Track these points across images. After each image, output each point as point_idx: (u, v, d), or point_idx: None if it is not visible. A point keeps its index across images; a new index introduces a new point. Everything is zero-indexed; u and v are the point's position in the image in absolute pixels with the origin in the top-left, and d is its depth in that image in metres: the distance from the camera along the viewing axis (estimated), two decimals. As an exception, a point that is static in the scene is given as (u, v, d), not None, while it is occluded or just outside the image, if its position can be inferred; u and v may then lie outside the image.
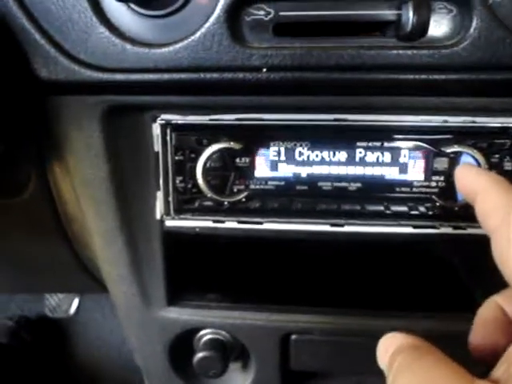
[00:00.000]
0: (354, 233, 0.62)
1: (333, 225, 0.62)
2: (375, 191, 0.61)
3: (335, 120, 0.59)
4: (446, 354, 0.37)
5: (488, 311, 0.46)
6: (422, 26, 0.49)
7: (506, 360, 0.36)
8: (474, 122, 0.58)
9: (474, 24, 0.50)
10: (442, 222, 0.61)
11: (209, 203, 0.62)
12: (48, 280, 0.88)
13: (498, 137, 0.58)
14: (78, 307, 1.37)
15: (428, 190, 0.60)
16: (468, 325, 0.67)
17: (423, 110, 0.58)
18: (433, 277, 0.74)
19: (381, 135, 0.59)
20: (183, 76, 0.54)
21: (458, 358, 0.65)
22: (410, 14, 0.48)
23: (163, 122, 0.61)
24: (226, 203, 0.62)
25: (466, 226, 0.60)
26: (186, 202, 0.63)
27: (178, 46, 0.53)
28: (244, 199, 0.62)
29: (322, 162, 0.60)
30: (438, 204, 0.60)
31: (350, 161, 0.60)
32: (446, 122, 0.58)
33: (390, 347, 0.39)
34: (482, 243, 0.67)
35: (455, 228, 0.61)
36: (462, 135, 0.59)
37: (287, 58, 0.52)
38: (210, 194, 0.62)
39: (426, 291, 0.72)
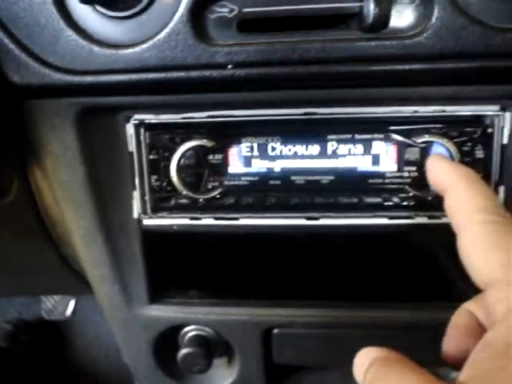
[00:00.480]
0: (329, 226, 0.62)
1: (308, 218, 0.62)
2: (348, 183, 0.61)
3: (305, 114, 0.59)
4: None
5: (460, 318, 0.47)
6: (384, 18, 0.50)
7: (469, 363, 0.37)
8: (444, 111, 0.58)
9: (435, 13, 0.50)
10: (417, 212, 0.61)
11: (184, 201, 0.63)
12: (37, 282, 0.89)
13: (469, 125, 0.59)
14: (75, 309, 1.38)
15: (401, 180, 0.60)
16: (450, 314, 0.67)
17: (393, 101, 0.58)
18: (415, 267, 0.74)
19: (352, 127, 0.60)
20: (150, 76, 0.55)
21: (439, 348, 0.65)
22: (371, 5, 0.49)
23: (136, 121, 0.61)
24: (201, 200, 0.62)
25: (441, 215, 0.60)
26: (162, 200, 0.63)
27: (143, 46, 0.54)
28: (219, 195, 0.62)
29: (295, 156, 0.61)
30: (411, 194, 0.61)
31: (322, 154, 0.60)
32: (416, 112, 0.58)
33: (366, 361, 0.40)
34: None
35: (430, 218, 0.61)
36: (432, 125, 0.59)
37: (251, 54, 0.52)
38: (185, 192, 0.62)
39: (409, 282, 0.72)
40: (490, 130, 0.58)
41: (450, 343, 0.46)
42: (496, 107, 0.58)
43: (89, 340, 1.41)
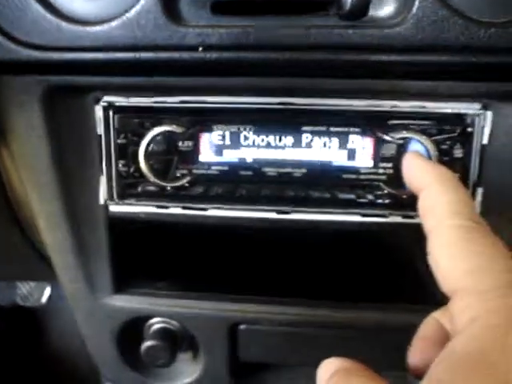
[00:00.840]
0: (301, 220, 0.60)
1: (279, 212, 0.60)
2: (321, 178, 0.59)
3: (280, 104, 0.57)
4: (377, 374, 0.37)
5: (427, 328, 0.45)
6: (362, 5, 0.47)
7: (428, 375, 0.35)
8: (423, 107, 0.56)
9: (416, 3, 0.48)
10: (391, 211, 0.59)
11: (152, 188, 0.60)
12: (3, 266, 0.86)
13: (448, 123, 0.57)
14: (51, 295, 1.36)
15: (376, 177, 0.58)
16: (423, 317, 0.65)
17: (371, 94, 0.56)
18: (389, 267, 0.72)
19: (328, 120, 0.57)
20: (119, 55, 0.53)
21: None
22: None
23: (106, 103, 0.59)
24: (169, 188, 0.60)
25: (415, 215, 0.58)
26: (129, 186, 0.61)
27: (112, 23, 0.51)
28: (187, 184, 0.60)
29: (268, 146, 0.58)
30: (386, 192, 0.59)
31: (296, 146, 0.58)
32: (394, 106, 0.56)
33: (328, 371, 0.39)
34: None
35: (404, 217, 0.59)
36: (411, 121, 0.57)
37: (224, 36, 0.50)
38: (152, 179, 0.60)
39: (382, 282, 0.70)
40: (469, 130, 0.56)
41: (416, 354, 0.44)
42: (477, 105, 0.56)
43: (64, 327, 1.39)
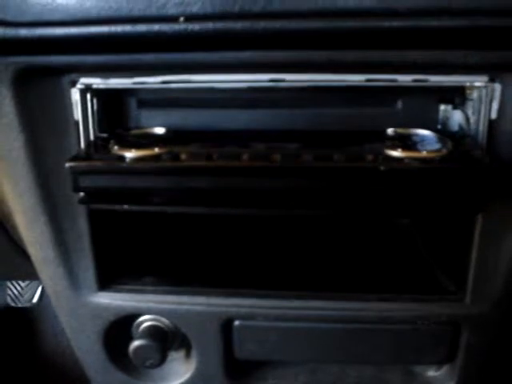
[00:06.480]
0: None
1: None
2: None
3: (271, 81, 0.52)
4: None
5: None
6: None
7: None
8: (426, 80, 0.52)
9: None
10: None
11: None
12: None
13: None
14: (41, 295, 1.31)
15: None
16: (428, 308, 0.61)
17: (368, 68, 0.51)
18: (393, 256, 0.68)
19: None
20: (93, 29, 0.48)
21: (412, 342, 0.59)
22: None
23: (83, 86, 0.55)
24: None
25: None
26: None
27: (84, -6, 0.47)
28: None
29: None
30: None
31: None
32: (394, 81, 0.52)
33: None
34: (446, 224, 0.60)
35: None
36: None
37: (207, 4, 0.46)
38: None
39: (386, 272, 0.66)
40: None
41: None
42: (484, 77, 0.51)
43: (57, 327, 1.35)
